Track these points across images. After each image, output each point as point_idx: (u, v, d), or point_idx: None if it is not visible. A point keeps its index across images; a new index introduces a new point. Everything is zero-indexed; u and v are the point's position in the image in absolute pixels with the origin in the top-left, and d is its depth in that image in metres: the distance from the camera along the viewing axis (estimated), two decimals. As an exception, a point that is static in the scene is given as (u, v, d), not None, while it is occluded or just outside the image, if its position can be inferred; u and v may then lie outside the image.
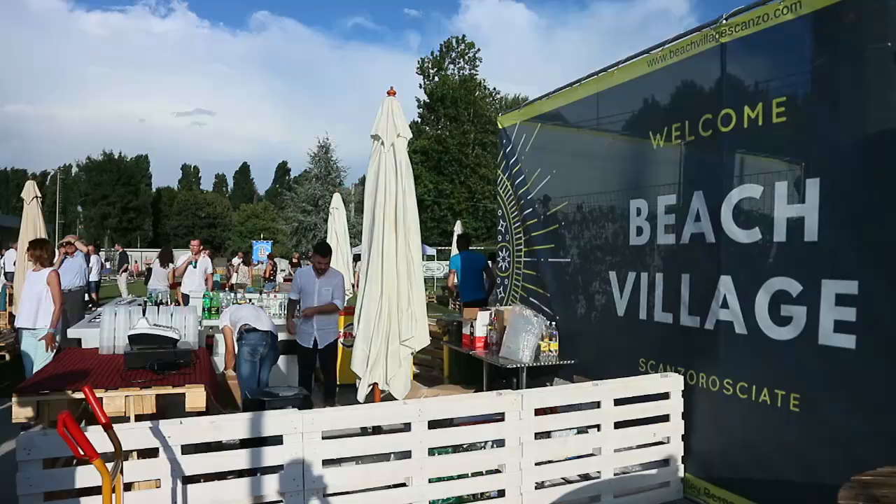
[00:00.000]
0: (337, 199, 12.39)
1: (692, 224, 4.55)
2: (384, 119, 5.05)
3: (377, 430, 4.31)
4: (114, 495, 2.43)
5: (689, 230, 4.59)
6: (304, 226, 41.19)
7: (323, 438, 3.61)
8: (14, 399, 3.70)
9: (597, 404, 4.40)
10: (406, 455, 3.82)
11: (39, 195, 10.70)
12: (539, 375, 6.02)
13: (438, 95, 50.50)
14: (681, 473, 4.59)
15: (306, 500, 3.56)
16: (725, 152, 4.26)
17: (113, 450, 2.63)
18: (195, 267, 11.00)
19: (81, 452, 2.26)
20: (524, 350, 5.66)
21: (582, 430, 4.52)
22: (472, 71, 52.57)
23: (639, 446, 4.48)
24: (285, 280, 17.63)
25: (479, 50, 53.08)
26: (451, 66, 52.95)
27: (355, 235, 14.34)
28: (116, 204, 69.20)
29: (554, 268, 6.33)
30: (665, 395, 4.55)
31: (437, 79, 52.16)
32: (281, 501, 3.55)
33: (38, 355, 6.13)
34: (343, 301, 6.60)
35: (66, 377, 4.12)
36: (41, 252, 6.36)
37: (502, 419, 4.04)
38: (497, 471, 4.04)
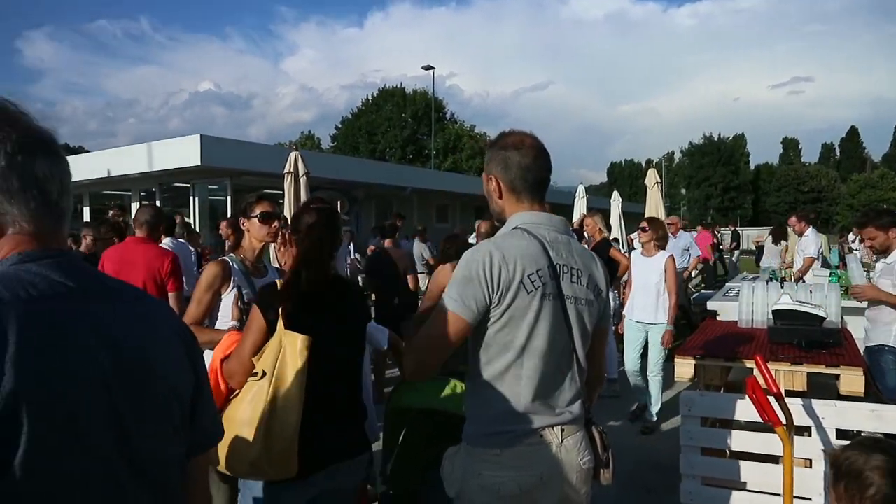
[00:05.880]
0: None
1: None
2: None
3: None
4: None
5: None
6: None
7: None
8: (676, 360, 4.23)
9: None
10: None
11: (659, 180, 11.93)
12: None
13: None
14: None
15: None
16: None
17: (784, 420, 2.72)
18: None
19: (766, 418, 2.42)
20: None
21: None
22: None
23: None
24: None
25: None
26: None
27: None
28: (718, 184, 71.09)
29: None
30: None
31: None
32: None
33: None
34: None
35: (716, 345, 4.47)
36: (663, 231, 5.96)
37: None
38: None
